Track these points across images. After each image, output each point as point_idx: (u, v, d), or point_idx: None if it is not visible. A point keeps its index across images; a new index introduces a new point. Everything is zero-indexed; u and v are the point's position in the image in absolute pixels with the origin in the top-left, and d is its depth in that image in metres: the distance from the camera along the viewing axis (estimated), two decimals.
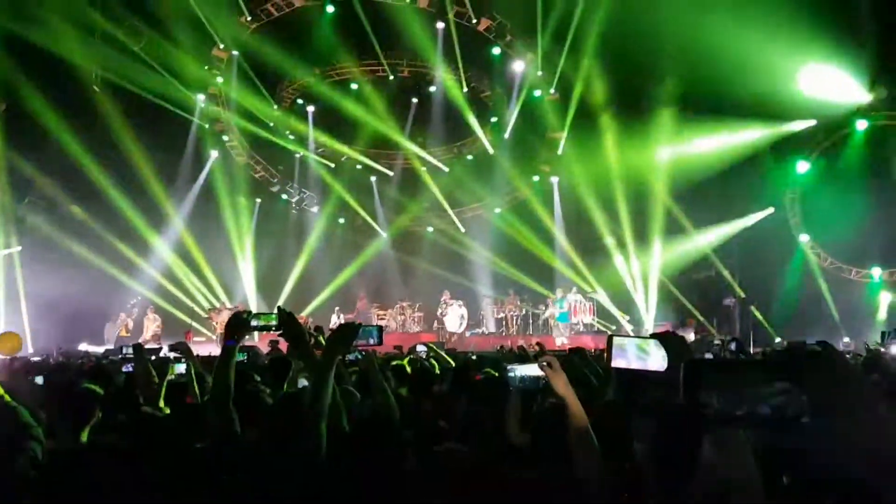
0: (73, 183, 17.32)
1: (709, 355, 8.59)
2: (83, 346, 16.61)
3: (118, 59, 16.82)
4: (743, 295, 17.49)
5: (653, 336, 2.46)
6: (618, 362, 2.42)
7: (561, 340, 16.60)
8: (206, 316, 18.76)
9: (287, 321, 2.97)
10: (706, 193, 17.28)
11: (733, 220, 17.69)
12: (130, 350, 6.21)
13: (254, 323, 3.02)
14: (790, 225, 17.72)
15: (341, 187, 22.67)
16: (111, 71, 16.85)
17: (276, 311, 3.01)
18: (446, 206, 22.95)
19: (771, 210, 17.71)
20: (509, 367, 2.85)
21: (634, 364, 2.37)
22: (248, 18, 18.36)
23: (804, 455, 1.48)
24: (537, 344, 9.48)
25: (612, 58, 16.74)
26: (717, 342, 13.90)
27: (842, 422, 1.23)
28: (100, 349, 16.23)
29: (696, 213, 17.81)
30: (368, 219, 23.47)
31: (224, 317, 17.96)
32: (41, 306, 17.90)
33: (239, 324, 2.99)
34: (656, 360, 2.36)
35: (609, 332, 17.48)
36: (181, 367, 4.66)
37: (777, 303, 16.54)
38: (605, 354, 2.33)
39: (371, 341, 3.43)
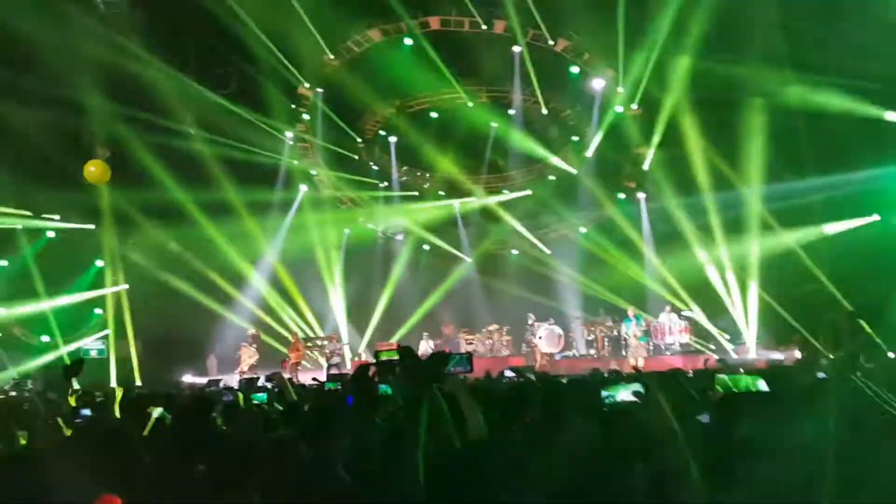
0: (173, 222, 18.28)
1: (822, 374, 8.05)
2: (186, 378, 17.37)
3: (210, 102, 17.72)
4: (851, 309, 16.42)
5: (760, 373, 2.36)
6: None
7: (636, 361, 16.02)
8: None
9: (406, 357, 3.05)
10: (805, 202, 16.46)
11: (835, 227, 16.72)
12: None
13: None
14: None
15: (425, 214, 22.96)
16: (204, 114, 17.77)
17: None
18: (526, 232, 22.79)
19: (876, 217, 16.65)
20: (605, 392, 2.76)
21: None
22: (331, 57, 18.96)
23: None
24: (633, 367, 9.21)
25: (697, 65, 16.29)
26: (826, 360, 13.10)
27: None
28: (202, 380, 16.96)
29: (795, 222, 16.96)
30: (450, 246, 23.61)
31: (300, 351, 18.49)
32: (148, 340, 18.93)
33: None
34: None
35: (706, 353, 16.84)
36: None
37: (889, 316, 15.44)
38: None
39: (462, 368, 3.41)
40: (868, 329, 15.78)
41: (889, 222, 16.51)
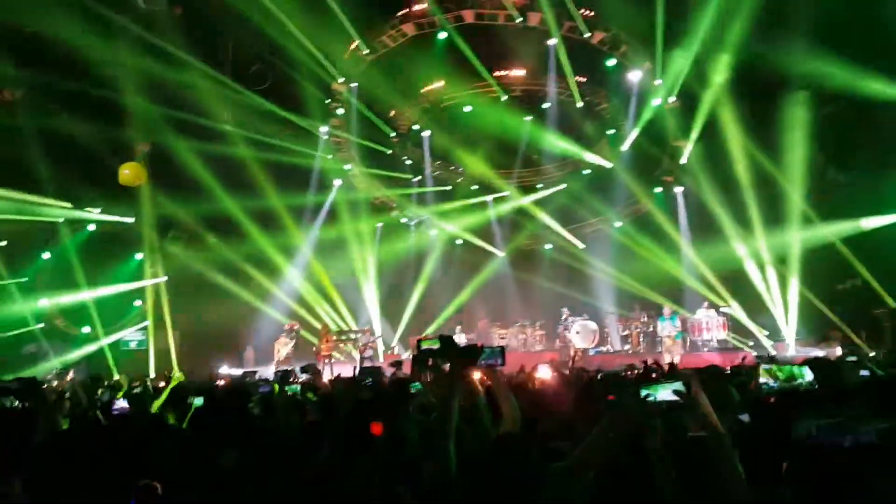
0: (210, 216, 18.58)
1: (865, 372, 7.83)
2: (223, 370, 17.63)
3: (246, 98, 17.94)
4: (894, 304, 15.98)
5: (806, 363, 2.29)
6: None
7: (671, 359, 15.75)
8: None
9: (446, 345, 3.09)
10: (847, 195, 16.04)
11: (878, 220, 16.23)
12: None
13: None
14: None
15: (458, 208, 22.95)
16: (240, 109, 18.00)
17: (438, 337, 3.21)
18: (558, 227, 22.62)
19: None
20: (644, 391, 2.68)
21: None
22: (366, 52, 19.02)
23: None
24: (668, 364, 9.05)
25: (737, 56, 15.96)
26: (870, 355, 12.76)
27: None
28: (238, 371, 17.19)
29: (837, 216, 16.53)
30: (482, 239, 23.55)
31: (330, 343, 18.61)
32: (186, 332, 19.30)
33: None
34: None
35: (744, 350, 16.53)
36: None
37: None
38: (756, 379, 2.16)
39: (494, 362, 3.37)
40: None
41: None
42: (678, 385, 2.33)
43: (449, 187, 23.82)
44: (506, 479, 2.31)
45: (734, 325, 17.86)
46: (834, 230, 16.48)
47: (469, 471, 2.42)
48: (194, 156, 17.39)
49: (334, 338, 19.23)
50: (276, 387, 6.04)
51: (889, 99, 14.11)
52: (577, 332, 18.55)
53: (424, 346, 3.26)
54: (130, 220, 19.02)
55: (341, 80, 19.62)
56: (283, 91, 18.26)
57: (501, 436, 2.89)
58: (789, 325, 17.44)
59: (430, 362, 4.16)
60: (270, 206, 19.18)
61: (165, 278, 19.72)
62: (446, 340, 3.11)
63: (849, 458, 1.11)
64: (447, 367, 2.94)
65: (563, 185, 22.99)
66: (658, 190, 21.35)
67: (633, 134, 20.26)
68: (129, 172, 14.69)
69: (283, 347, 18.79)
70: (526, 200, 22.95)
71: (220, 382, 10.20)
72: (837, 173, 16.98)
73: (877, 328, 16.32)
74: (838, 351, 15.72)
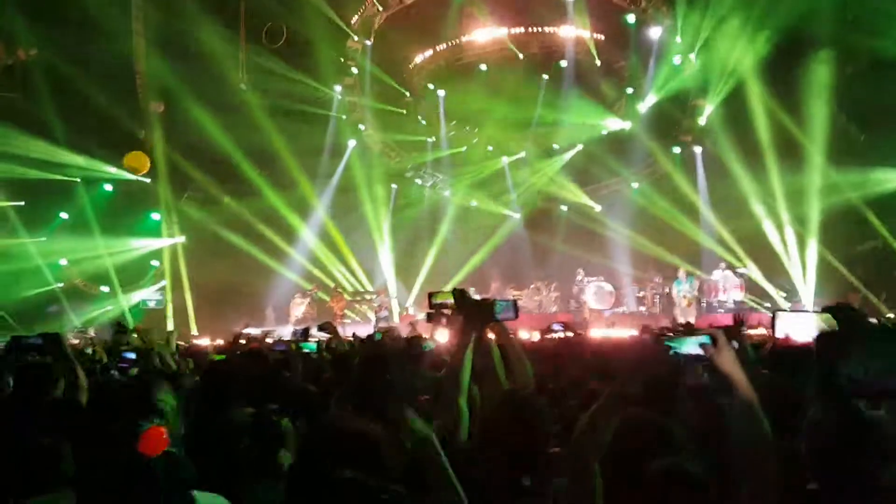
0: (226, 177, 18.61)
1: None
2: (246, 329, 17.82)
3: (261, 57, 17.79)
4: None
5: (825, 310, 2.23)
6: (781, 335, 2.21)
7: (685, 320, 15.69)
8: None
9: (461, 299, 3.08)
10: (868, 154, 15.74)
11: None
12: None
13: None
14: None
15: (473, 169, 22.79)
16: (255, 69, 17.88)
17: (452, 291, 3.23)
18: (574, 188, 22.41)
19: None
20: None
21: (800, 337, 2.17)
22: (380, 9, 18.73)
23: None
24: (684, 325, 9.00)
25: (760, 13, 15.55)
26: (889, 316, 12.68)
27: None
28: (255, 331, 17.37)
29: (856, 176, 16.24)
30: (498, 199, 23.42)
31: (343, 303, 18.74)
32: (203, 292, 19.49)
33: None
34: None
35: (760, 311, 16.44)
36: None
37: None
38: (771, 330, 2.13)
39: (508, 315, 3.34)
40: None
41: None
42: (704, 339, 2.28)
43: (464, 148, 23.59)
44: (518, 435, 2.31)
45: (751, 287, 17.73)
46: (854, 189, 16.21)
47: (480, 427, 2.42)
48: (209, 116, 17.33)
49: (348, 298, 19.35)
50: (294, 346, 6.08)
51: None
52: (593, 294, 18.51)
53: (437, 300, 3.25)
54: (147, 180, 19.08)
55: (355, 38, 19.37)
56: (297, 50, 18.07)
57: (510, 392, 2.87)
58: (807, 287, 17.28)
59: (445, 321, 4.16)
60: (285, 166, 19.14)
61: (183, 238, 19.85)
62: (460, 293, 3.10)
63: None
64: (460, 322, 2.92)
65: (580, 146, 22.68)
66: (677, 150, 21.00)
67: (652, 93, 19.88)
68: (133, 162, 14.86)
69: (299, 307, 18.95)
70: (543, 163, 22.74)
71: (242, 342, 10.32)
72: (859, 132, 16.63)
73: None
74: None
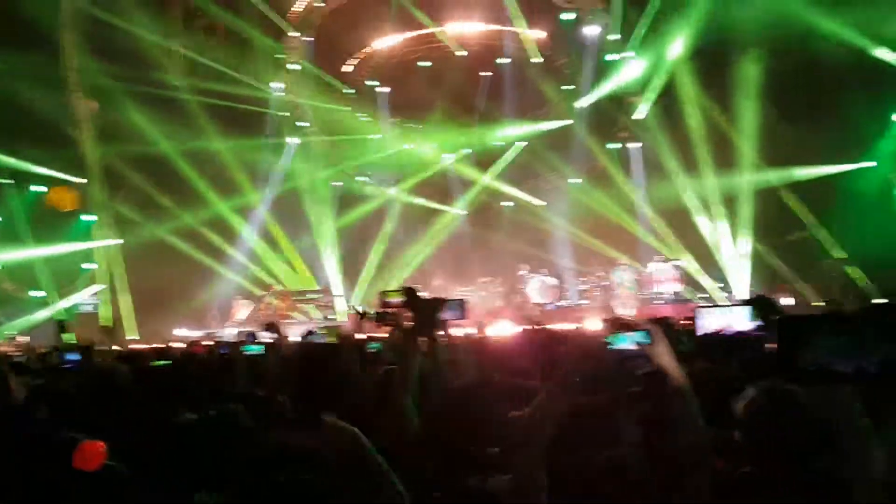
0: (162, 176, 18.13)
1: None
2: (180, 332, 17.45)
3: (197, 53, 17.40)
4: (842, 255, 16.57)
5: (745, 302, 2.36)
6: (703, 328, 2.33)
7: (625, 312, 16.16)
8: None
9: (412, 296, 3.12)
10: (797, 149, 16.46)
11: (826, 170, 16.68)
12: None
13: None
14: (890, 179, 16.59)
15: (416, 166, 22.80)
16: (191, 65, 17.47)
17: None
18: (516, 185, 22.67)
19: (872, 164, 16.63)
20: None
21: (716, 326, 2.29)
22: (320, 4, 18.55)
23: None
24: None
25: (691, 10, 16.03)
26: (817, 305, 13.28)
27: None
28: (198, 333, 17.05)
29: (786, 168, 16.96)
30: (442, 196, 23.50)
31: (289, 299, 18.55)
32: (141, 295, 18.96)
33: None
34: (742, 321, 2.27)
35: (695, 301, 16.99)
36: None
37: (879, 262, 15.56)
38: (693, 324, 2.23)
39: (456, 314, 3.41)
40: (859, 276, 16.05)
41: (882, 169, 16.54)
42: (640, 336, 2.37)
43: (407, 145, 23.57)
44: (464, 431, 2.35)
45: (687, 278, 18.30)
46: (783, 181, 16.93)
47: (430, 422, 2.45)
48: (144, 114, 16.86)
49: (293, 298, 19.13)
50: (236, 348, 5.99)
51: (834, 54, 14.36)
52: (537, 288, 18.79)
53: (388, 298, 3.28)
54: (81, 180, 18.44)
55: (295, 34, 19.13)
56: (235, 46, 17.75)
57: (458, 387, 2.92)
58: (740, 277, 17.96)
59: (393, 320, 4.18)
60: (224, 165, 18.78)
61: (118, 240, 19.27)
62: (411, 292, 3.14)
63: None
64: (407, 322, 2.96)
65: (522, 143, 22.94)
66: (614, 147, 21.47)
67: (593, 92, 20.25)
68: (58, 196, 14.17)
69: (242, 308, 18.65)
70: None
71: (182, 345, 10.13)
72: (788, 127, 17.34)
73: (825, 279, 16.97)
74: (792, 301, 16.31)
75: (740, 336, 2.85)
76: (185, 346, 9.79)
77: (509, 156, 22.90)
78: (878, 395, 1.22)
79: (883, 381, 1.07)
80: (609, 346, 2.61)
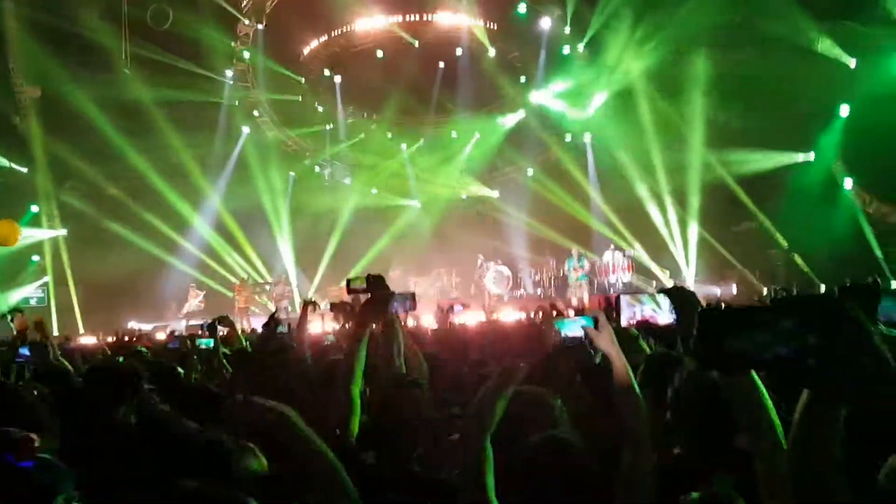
0: (110, 165, 17.68)
1: None
2: (131, 324, 17.11)
3: (146, 40, 16.97)
4: (786, 244, 17.12)
5: (661, 291, 2.45)
6: (624, 320, 2.43)
7: (577, 299, 16.47)
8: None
9: (375, 283, 3.13)
10: (744, 141, 16.93)
11: (771, 161, 17.16)
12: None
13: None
14: (833, 171, 17.17)
15: (372, 157, 22.71)
16: (140, 52, 17.04)
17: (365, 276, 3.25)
18: (472, 176, 22.80)
19: (811, 155, 17.19)
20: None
21: (642, 316, 2.39)
22: None
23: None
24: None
25: (642, 3, 16.29)
26: (763, 293, 13.70)
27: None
28: (147, 326, 16.73)
29: (734, 160, 17.41)
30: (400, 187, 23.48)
31: (249, 291, 18.35)
32: (90, 287, 18.50)
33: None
34: (666, 313, 2.38)
35: (648, 290, 17.36)
36: None
37: (822, 252, 16.12)
38: (615, 313, 2.33)
39: (406, 306, 3.44)
40: (802, 264, 16.53)
41: (826, 162, 17.08)
42: (585, 321, 2.44)
43: (362, 135, 23.47)
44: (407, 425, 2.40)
45: (639, 267, 18.68)
46: (731, 173, 17.38)
47: (369, 413, 2.49)
48: (90, 102, 16.40)
49: (250, 290, 18.92)
50: (188, 342, 5.93)
51: (781, 48, 14.78)
52: (492, 279, 18.96)
53: (354, 285, 3.28)
54: (23, 169, 17.87)
55: (246, 22, 18.81)
56: (185, 33, 17.33)
57: (395, 378, 2.96)
58: (689, 266, 18.41)
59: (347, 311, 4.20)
60: (175, 154, 18.40)
61: (64, 231, 18.75)
62: (374, 278, 3.16)
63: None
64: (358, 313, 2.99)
65: (477, 135, 23.06)
66: (568, 138, 21.73)
67: (543, 85, 20.42)
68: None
69: (194, 300, 18.38)
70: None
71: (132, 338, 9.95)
72: (735, 119, 17.79)
73: (770, 267, 17.53)
74: (734, 289, 16.80)
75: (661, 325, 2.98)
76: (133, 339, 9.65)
77: (467, 150, 22.99)
78: (790, 381, 1.32)
79: (796, 367, 1.16)
80: (561, 333, 2.70)
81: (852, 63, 16.02)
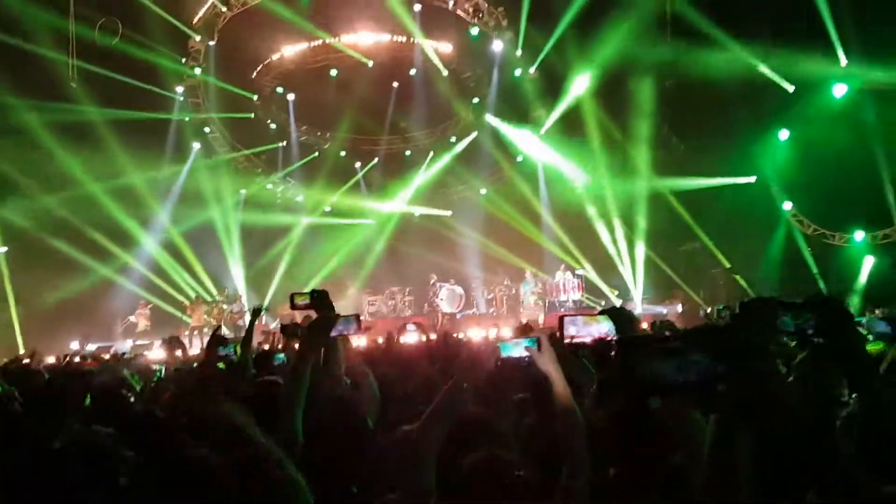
0: (54, 180, 17.20)
1: None
2: (74, 345, 16.61)
3: (95, 54, 16.64)
4: (728, 264, 17.65)
5: (602, 312, 2.55)
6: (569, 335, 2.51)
7: (527, 320, 16.69)
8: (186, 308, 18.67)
9: (319, 299, 3.16)
10: (687, 164, 17.48)
11: (713, 182, 17.69)
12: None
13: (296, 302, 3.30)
14: (773, 193, 17.79)
15: (325, 175, 22.62)
16: (88, 66, 16.70)
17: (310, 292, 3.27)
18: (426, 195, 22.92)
19: (752, 179, 17.78)
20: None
21: (583, 333, 2.49)
22: (223, 8, 18.16)
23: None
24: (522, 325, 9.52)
25: (591, 30, 16.70)
26: (707, 312, 14.07)
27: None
28: (92, 346, 16.25)
29: (677, 181, 17.93)
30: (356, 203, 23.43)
31: (202, 310, 18.02)
32: (31, 306, 17.89)
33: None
34: (604, 329, 2.48)
35: (596, 308, 17.67)
36: None
37: (762, 271, 16.68)
38: (559, 333, 2.42)
39: (350, 329, 3.46)
40: (743, 284, 17.03)
41: (766, 184, 17.69)
42: (528, 343, 2.51)
43: (316, 153, 23.40)
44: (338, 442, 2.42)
45: (588, 286, 19.01)
46: (675, 195, 17.88)
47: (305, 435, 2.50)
48: (34, 113, 15.97)
49: (203, 309, 18.54)
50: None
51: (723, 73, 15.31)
52: (444, 297, 19.03)
53: (298, 301, 3.30)
54: None
55: (197, 37, 18.63)
56: (135, 47, 17.04)
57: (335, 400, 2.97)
58: (637, 285, 18.82)
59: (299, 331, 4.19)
60: (123, 170, 17.98)
61: (4, 249, 18.13)
62: (318, 294, 3.18)
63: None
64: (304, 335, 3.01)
65: (431, 153, 23.24)
66: (520, 159, 22.05)
67: (493, 102, 20.66)
68: None
69: (142, 320, 17.95)
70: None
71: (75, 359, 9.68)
72: (679, 142, 18.37)
73: (713, 287, 18.05)
74: (679, 308, 17.22)
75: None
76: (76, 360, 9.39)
77: (420, 166, 23.11)
78: (702, 404, 1.43)
79: (707, 392, 1.27)
80: (503, 354, 2.77)
81: (791, 88, 16.70)
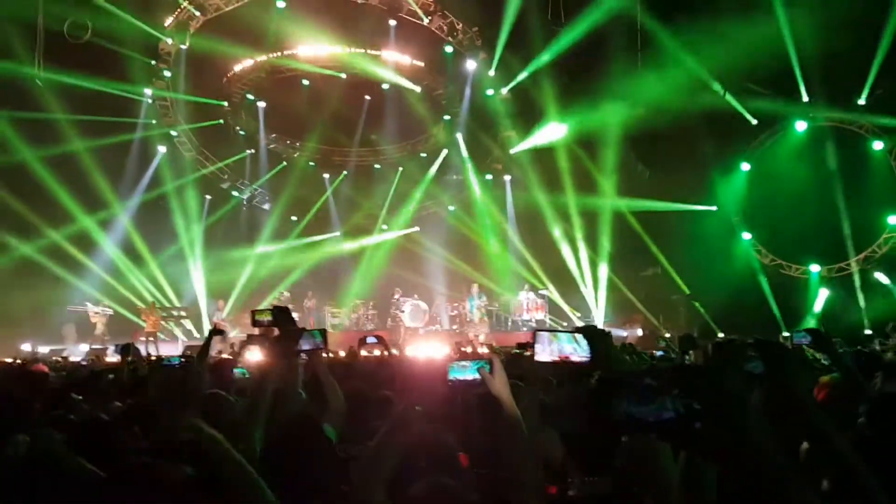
0: (11, 178, 16.77)
1: (660, 352, 8.81)
2: (26, 346, 16.14)
3: (62, 52, 16.33)
4: (688, 291, 17.96)
5: (576, 330, 2.56)
6: (542, 356, 2.52)
7: (477, 337, 16.79)
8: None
9: (281, 315, 3.07)
10: (651, 191, 17.82)
11: (676, 207, 18.00)
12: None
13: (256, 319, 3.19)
14: (733, 223, 18.21)
15: (293, 185, 22.46)
16: (55, 64, 16.38)
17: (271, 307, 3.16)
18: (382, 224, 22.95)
19: (713, 208, 18.18)
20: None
21: (561, 355, 2.50)
22: (196, 13, 18.01)
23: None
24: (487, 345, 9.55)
25: (563, 56, 16.96)
26: (666, 336, 14.28)
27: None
28: (45, 349, 15.83)
29: (641, 206, 18.23)
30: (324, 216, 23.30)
31: (155, 318, 17.67)
32: None
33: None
34: (583, 351, 2.49)
35: (562, 327, 17.80)
36: None
37: (720, 299, 17.01)
38: (530, 349, 2.43)
39: (316, 344, 3.43)
40: (702, 310, 17.30)
41: (727, 212, 18.11)
42: (477, 367, 2.49)
43: (284, 163, 23.24)
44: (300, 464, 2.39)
45: (551, 307, 19.16)
46: (638, 220, 18.19)
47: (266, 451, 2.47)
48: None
49: (158, 315, 18.14)
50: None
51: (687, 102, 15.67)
52: (409, 312, 18.97)
53: (259, 317, 3.20)
54: None
55: (169, 41, 18.43)
56: (103, 47, 16.76)
57: (296, 417, 2.94)
58: (598, 307, 19.04)
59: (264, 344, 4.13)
60: (85, 169, 17.59)
61: None
62: (279, 311, 3.12)
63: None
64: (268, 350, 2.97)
65: (400, 168, 23.27)
66: (489, 177, 22.21)
67: (464, 120, 20.81)
68: None
69: (99, 324, 17.50)
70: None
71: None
72: (644, 171, 18.72)
73: (673, 312, 18.37)
74: (639, 332, 17.45)
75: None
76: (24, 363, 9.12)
77: (389, 181, 23.12)
78: (676, 439, 1.46)
79: (678, 427, 1.30)
80: (451, 377, 2.75)
81: (754, 121, 17.17)
